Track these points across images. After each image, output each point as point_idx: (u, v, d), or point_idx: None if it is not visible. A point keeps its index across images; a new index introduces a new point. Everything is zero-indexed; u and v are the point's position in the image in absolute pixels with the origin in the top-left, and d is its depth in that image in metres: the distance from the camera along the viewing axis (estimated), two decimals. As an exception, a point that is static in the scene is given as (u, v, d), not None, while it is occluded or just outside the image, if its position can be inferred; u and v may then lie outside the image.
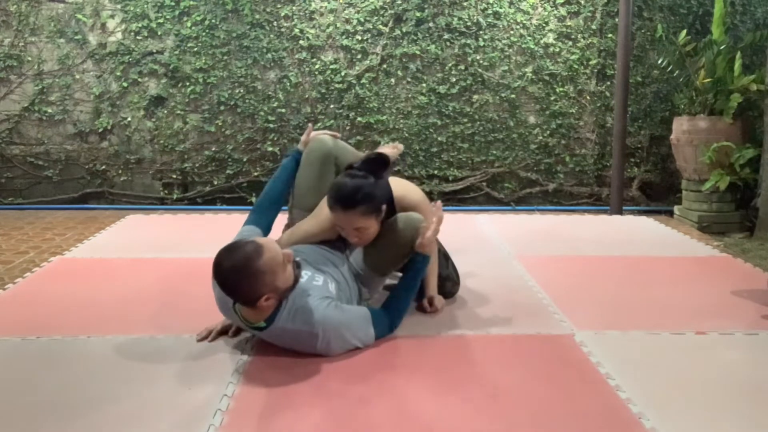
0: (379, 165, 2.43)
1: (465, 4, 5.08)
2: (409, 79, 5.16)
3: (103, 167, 5.25)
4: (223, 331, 2.42)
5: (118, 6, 5.06)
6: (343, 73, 5.12)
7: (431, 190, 5.20)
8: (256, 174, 5.24)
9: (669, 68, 4.80)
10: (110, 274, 3.26)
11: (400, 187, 2.60)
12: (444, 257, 2.83)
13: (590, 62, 5.16)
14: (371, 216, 2.40)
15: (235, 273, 2.03)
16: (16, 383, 2.07)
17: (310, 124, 2.84)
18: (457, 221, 4.53)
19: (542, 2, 5.09)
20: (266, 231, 2.54)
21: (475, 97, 5.18)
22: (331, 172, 2.63)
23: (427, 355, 2.28)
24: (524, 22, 5.10)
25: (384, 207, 2.45)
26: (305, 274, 2.31)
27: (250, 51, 5.10)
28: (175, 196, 5.29)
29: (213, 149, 5.22)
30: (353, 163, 2.46)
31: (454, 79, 5.14)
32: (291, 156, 2.71)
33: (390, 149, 2.79)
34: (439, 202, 2.55)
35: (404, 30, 5.09)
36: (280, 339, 2.22)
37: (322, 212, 2.56)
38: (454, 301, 2.82)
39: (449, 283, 2.82)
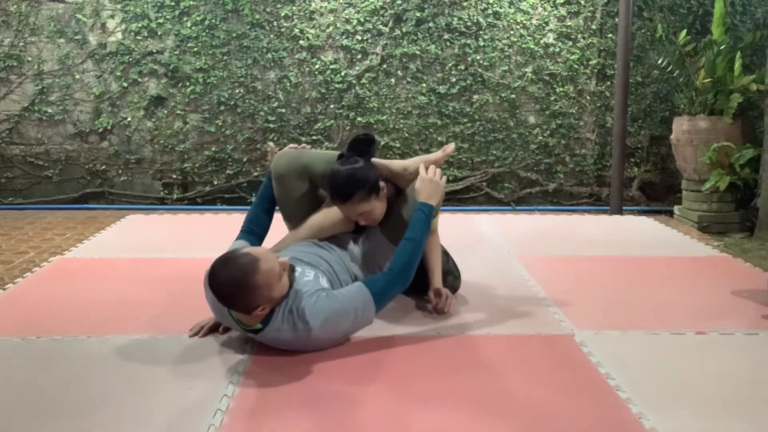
0: (365, 145, 2.54)
1: (465, 4, 5.08)
2: (409, 79, 5.16)
3: (103, 167, 5.25)
4: (215, 328, 2.43)
5: (118, 6, 5.06)
6: (343, 73, 5.12)
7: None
8: (256, 174, 5.24)
9: (669, 68, 4.80)
10: (110, 274, 3.26)
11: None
12: (444, 253, 2.83)
13: (590, 62, 5.16)
14: (370, 198, 2.47)
15: (231, 286, 2.04)
16: (16, 383, 2.06)
17: (270, 144, 2.77)
18: (457, 221, 4.53)
19: (542, 2, 5.09)
20: None
21: (475, 97, 5.18)
22: (302, 181, 2.61)
23: (427, 356, 2.28)
24: (524, 22, 5.10)
25: (383, 184, 2.52)
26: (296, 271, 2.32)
27: (250, 51, 5.10)
28: (175, 196, 5.29)
29: (213, 149, 5.22)
30: (342, 152, 2.56)
31: (454, 79, 5.14)
32: (266, 178, 2.71)
33: (441, 153, 2.67)
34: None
35: (404, 30, 5.09)
36: (278, 340, 2.21)
37: (333, 206, 2.61)
38: (454, 299, 2.82)
39: (450, 277, 2.83)
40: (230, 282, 2.03)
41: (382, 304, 2.32)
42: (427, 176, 2.46)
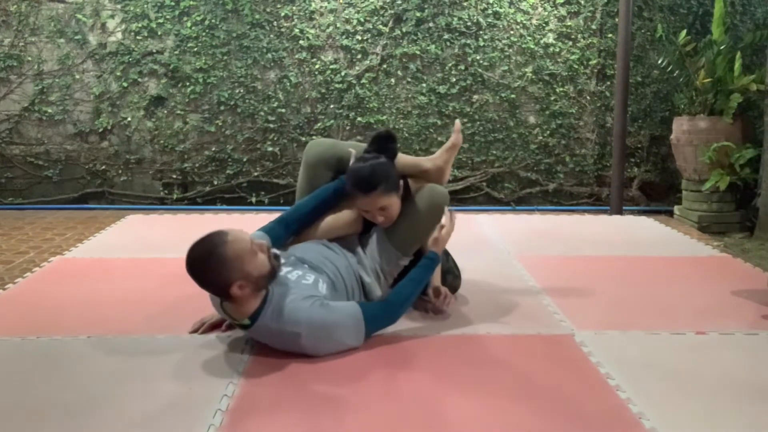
0: (387, 142, 2.57)
1: (465, 4, 5.08)
2: (409, 79, 5.16)
3: (103, 167, 5.25)
4: (216, 325, 2.44)
5: (118, 6, 5.06)
6: (343, 73, 5.12)
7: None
8: (256, 174, 5.24)
9: (669, 68, 4.80)
10: (110, 274, 3.26)
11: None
12: (444, 253, 2.83)
13: (590, 62, 5.16)
14: (392, 193, 2.48)
15: (200, 261, 2.06)
16: (16, 383, 2.07)
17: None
18: (458, 221, 4.51)
19: (542, 2, 5.09)
20: (276, 243, 2.42)
21: (475, 97, 5.18)
22: (329, 171, 2.61)
23: (427, 356, 2.28)
24: (524, 22, 5.10)
25: (401, 182, 2.54)
26: (295, 274, 2.30)
27: (250, 51, 5.10)
28: (175, 196, 5.29)
29: (213, 149, 5.22)
30: (366, 149, 2.58)
31: (454, 79, 5.14)
32: (339, 182, 2.57)
33: (456, 135, 2.72)
34: (454, 214, 2.63)
35: (404, 30, 5.09)
36: (266, 338, 2.22)
37: (343, 207, 2.62)
38: (454, 299, 2.82)
39: (450, 276, 2.83)
40: (199, 257, 2.06)
41: (372, 330, 2.32)
42: (451, 230, 2.57)
